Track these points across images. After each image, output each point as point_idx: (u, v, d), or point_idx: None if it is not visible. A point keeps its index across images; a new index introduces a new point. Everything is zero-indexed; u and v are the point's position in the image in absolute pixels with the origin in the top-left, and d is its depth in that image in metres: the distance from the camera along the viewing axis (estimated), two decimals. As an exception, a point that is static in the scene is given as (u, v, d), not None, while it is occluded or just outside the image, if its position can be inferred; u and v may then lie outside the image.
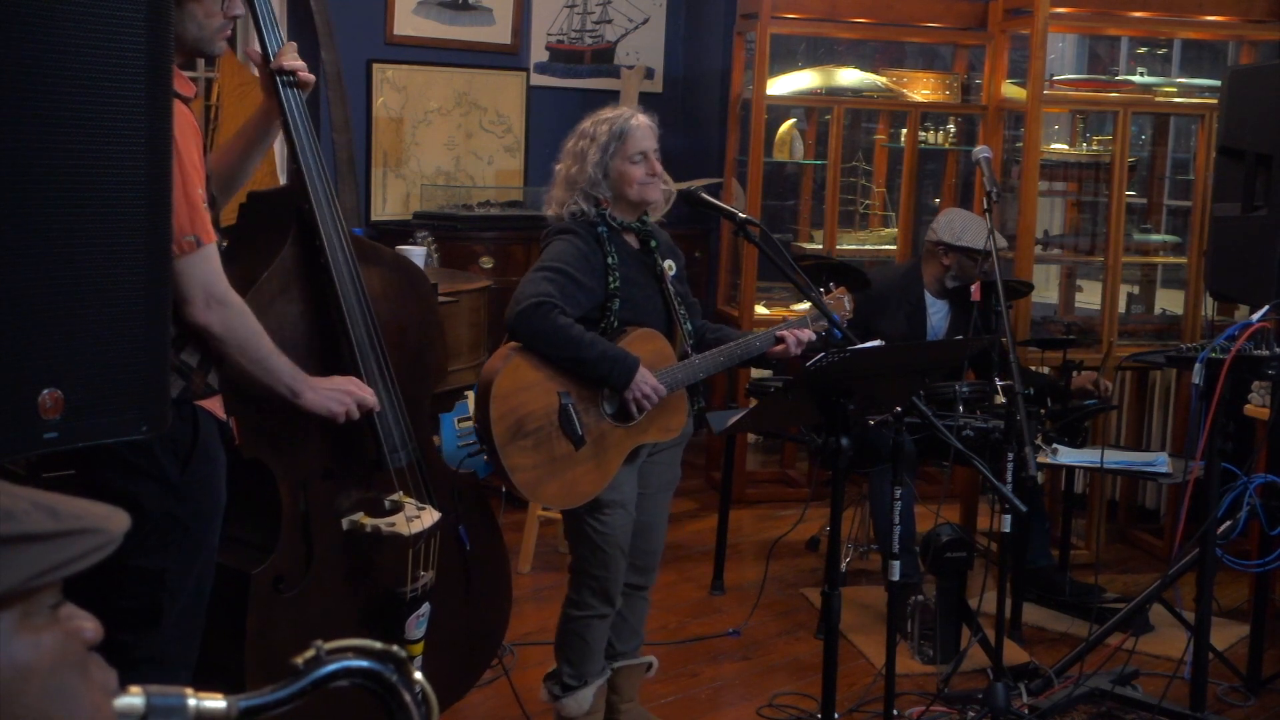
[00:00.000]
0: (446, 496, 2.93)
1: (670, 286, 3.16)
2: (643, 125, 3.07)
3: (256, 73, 2.64)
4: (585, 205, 3.05)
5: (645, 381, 2.97)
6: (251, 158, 2.68)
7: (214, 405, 2.41)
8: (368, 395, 2.61)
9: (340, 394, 2.56)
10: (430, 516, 2.75)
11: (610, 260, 3.02)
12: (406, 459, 2.78)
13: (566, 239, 3.02)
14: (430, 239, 5.06)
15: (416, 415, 2.83)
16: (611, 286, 3.01)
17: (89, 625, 0.89)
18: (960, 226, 4.49)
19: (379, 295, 2.73)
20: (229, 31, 2.42)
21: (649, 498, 3.21)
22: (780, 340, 3.16)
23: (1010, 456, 3.55)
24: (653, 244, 3.16)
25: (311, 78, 2.60)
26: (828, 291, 3.32)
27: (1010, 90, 5.30)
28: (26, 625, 0.84)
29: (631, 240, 3.14)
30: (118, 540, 0.88)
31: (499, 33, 6.04)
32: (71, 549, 0.85)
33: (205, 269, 2.28)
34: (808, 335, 3.18)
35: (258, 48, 2.56)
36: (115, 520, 0.88)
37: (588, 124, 3.10)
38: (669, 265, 3.17)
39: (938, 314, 4.61)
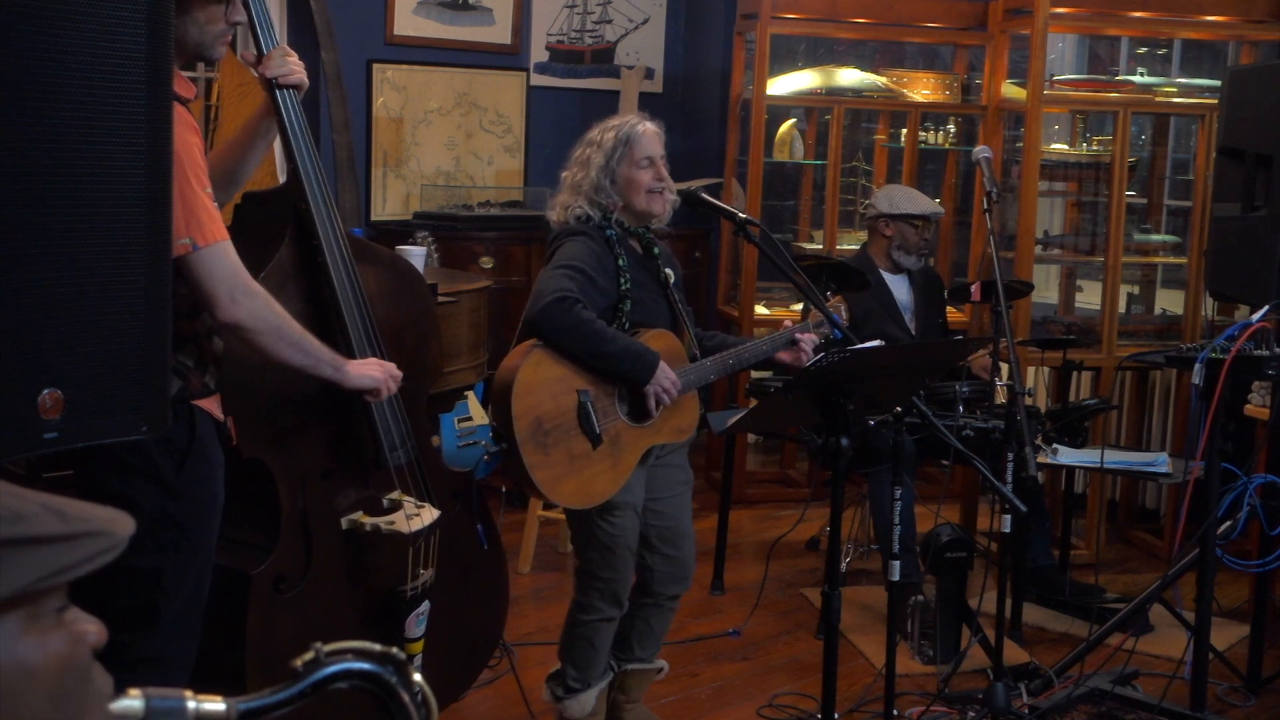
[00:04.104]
0: (445, 495, 2.93)
1: (673, 293, 3.17)
2: (649, 132, 3.09)
3: (254, 73, 2.64)
4: (591, 211, 3.06)
5: (666, 377, 2.98)
6: (252, 156, 2.68)
7: (211, 405, 2.41)
8: (393, 368, 2.63)
9: (373, 368, 2.58)
10: (429, 514, 2.75)
11: (621, 262, 3.03)
12: (405, 457, 2.78)
13: (578, 240, 3.04)
14: (430, 239, 5.05)
15: (414, 413, 2.84)
16: (623, 287, 3.03)
17: (93, 629, 0.89)
18: (897, 196, 4.67)
19: (375, 294, 2.73)
20: (230, 37, 2.42)
21: (669, 501, 3.20)
22: (794, 344, 3.17)
23: (1010, 456, 3.55)
24: (655, 250, 3.18)
25: (305, 80, 2.60)
26: (826, 299, 3.34)
27: (1010, 90, 5.31)
28: (33, 628, 0.84)
29: (635, 245, 3.16)
30: (124, 543, 0.88)
31: (499, 33, 6.04)
32: (79, 551, 0.85)
33: (224, 266, 2.28)
34: (811, 338, 3.19)
35: (253, 50, 2.57)
36: (121, 523, 0.88)
37: (595, 132, 3.12)
38: (669, 273, 3.19)
39: (900, 290, 4.66)
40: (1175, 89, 5.24)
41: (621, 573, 3.12)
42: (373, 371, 2.58)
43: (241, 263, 2.32)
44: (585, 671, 3.19)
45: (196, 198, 2.24)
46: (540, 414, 2.90)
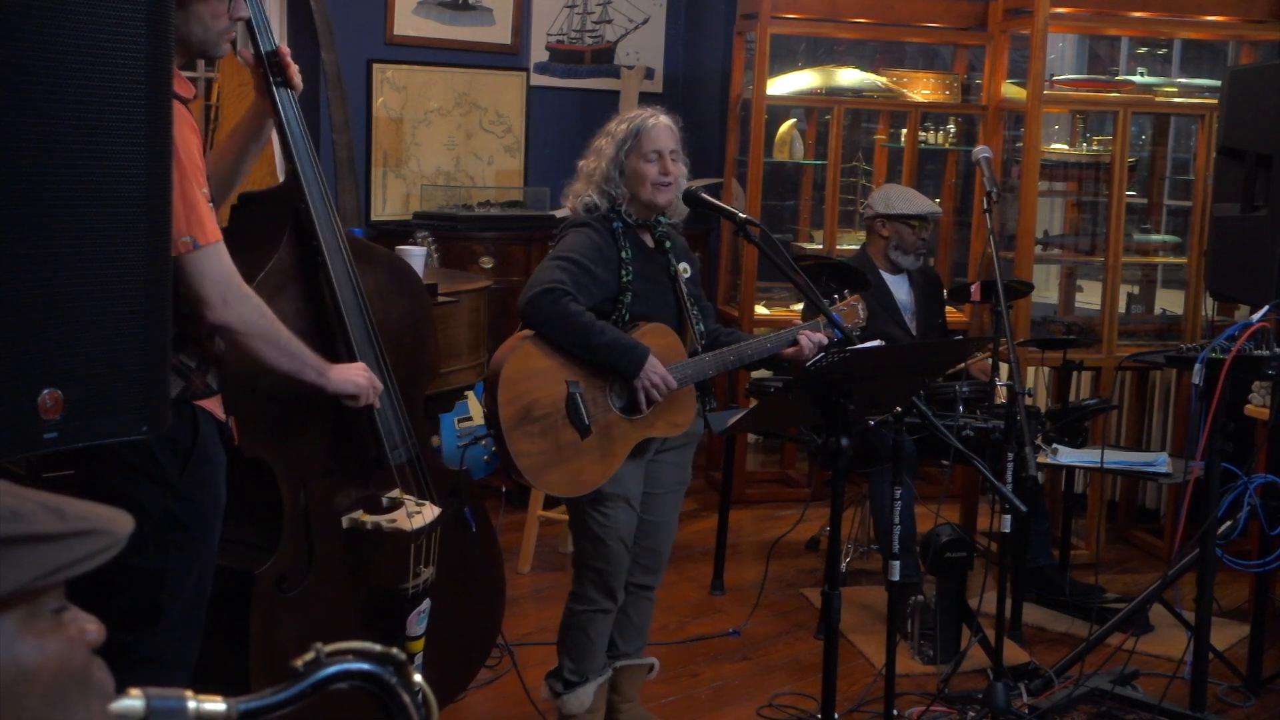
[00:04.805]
0: (444, 493, 2.94)
1: (683, 287, 3.17)
2: (661, 125, 3.11)
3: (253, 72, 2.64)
4: (600, 200, 3.08)
5: (655, 371, 2.98)
6: (246, 158, 2.69)
7: (213, 405, 2.41)
8: (375, 379, 2.63)
9: (358, 372, 2.59)
10: (430, 512, 2.76)
11: (624, 254, 3.04)
12: (406, 455, 2.79)
13: (581, 231, 3.05)
14: (430, 239, 5.06)
15: (413, 412, 2.84)
16: (624, 280, 3.03)
17: (92, 627, 0.89)
18: (893, 196, 4.67)
19: (373, 294, 2.74)
20: (233, 33, 2.42)
21: (659, 498, 3.21)
22: (795, 343, 3.16)
23: (1010, 456, 3.55)
24: (667, 244, 3.18)
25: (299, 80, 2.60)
26: (841, 299, 3.32)
27: (1010, 90, 5.30)
28: (30, 628, 0.84)
29: (647, 238, 3.16)
30: (123, 542, 0.88)
31: (499, 33, 6.04)
32: (77, 550, 0.85)
33: (218, 267, 2.28)
34: (820, 338, 3.18)
35: (250, 49, 2.57)
36: (120, 522, 0.88)
37: (613, 123, 3.15)
38: (683, 268, 3.19)
39: (900, 290, 4.66)
40: (1175, 89, 5.24)
41: (613, 564, 3.13)
42: (356, 377, 2.58)
43: (235, 266, 2.32)
44: (581, 664, 3.19)
45: (197, 197, 2.24)
46: (528, 403, 2.91)
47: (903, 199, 4.62)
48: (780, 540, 4.77)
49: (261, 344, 2.37)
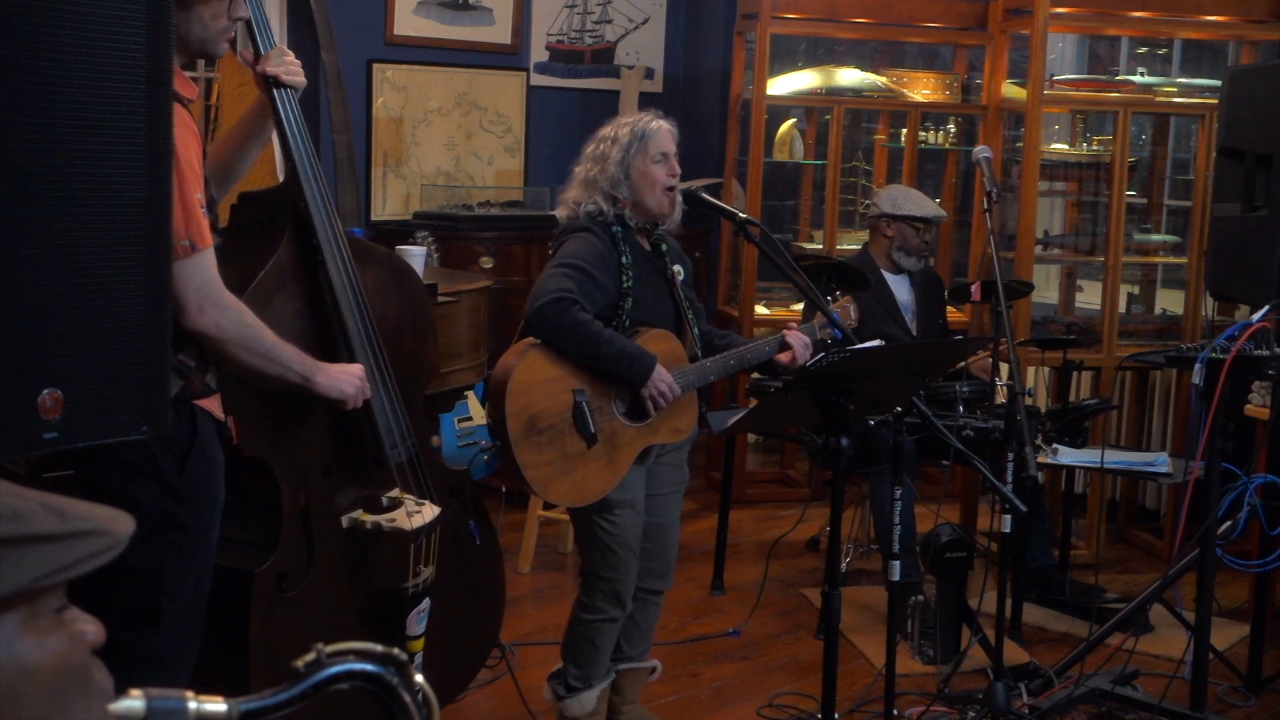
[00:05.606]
0: (444, 492, 2.94)
1: (680, 290, 3.17)
2: (664, 129, 3.12)
3: (253, 71, 2.64)
4: (604, 205, 3.07)
5: (662, 379, 2.98)
6: (248, 151, 2.68)
7: (212, 405, 2.41)
8: (366, 385, 2.64)
9: (350, 377, 2.58)
10: (430, 511, 2.75)
11: (624, 260, 3.04)
12: (405, 454, 2.79)
13: (583, 236, 3.04)
14: (430, 239, 5.05)
15: (412, 411, 2.84)
16: (625, 285, 3.03)
17: (91, 628, 0.89)
18: (900, 197, 4.66)
19: (372, 293, 2.74)
20: (232, 33, 2.42)
21: (661, 500, 3.21)
22: (787, 346, 3.16)
23: (1010, 456, 3.55)
24: (663, 247, 3.18)
25: (301, 80, 2.60)
26: (833, 300, 3.33)
27: (1010, 90, 5.31)
28: (32, 627, 0.85)
29: (643, 242, 3.16)
30: (123, 543, 0.88)
31: (499, 33, 6.04)
32: (78, 550, 0.85)
33: (200, 273, 2.28)
34: (801, 338, 3.18)
35: (250, 49, 2.57)
36: (121, 522, 0.89)
37: (609, 129, 3.14)
38: (677, 270, 3.19)
39: (901, 289, 4.66)
40: (1175, 89, 5.24)
41: (623, 572, 3.12)
42: (344, 385, 2.57)
43: (218, 272, 2.32)
44: (587, 670, 3.19)
45: (194, 201, 2.24)
46: (534, 413, 2.91)
47: (909, 200, 4.62)
48: (780, 540, 4.77)
49: (238, 350, 2.37)
